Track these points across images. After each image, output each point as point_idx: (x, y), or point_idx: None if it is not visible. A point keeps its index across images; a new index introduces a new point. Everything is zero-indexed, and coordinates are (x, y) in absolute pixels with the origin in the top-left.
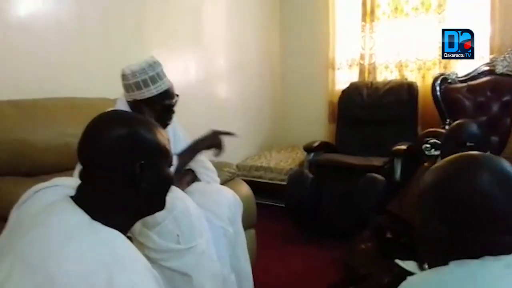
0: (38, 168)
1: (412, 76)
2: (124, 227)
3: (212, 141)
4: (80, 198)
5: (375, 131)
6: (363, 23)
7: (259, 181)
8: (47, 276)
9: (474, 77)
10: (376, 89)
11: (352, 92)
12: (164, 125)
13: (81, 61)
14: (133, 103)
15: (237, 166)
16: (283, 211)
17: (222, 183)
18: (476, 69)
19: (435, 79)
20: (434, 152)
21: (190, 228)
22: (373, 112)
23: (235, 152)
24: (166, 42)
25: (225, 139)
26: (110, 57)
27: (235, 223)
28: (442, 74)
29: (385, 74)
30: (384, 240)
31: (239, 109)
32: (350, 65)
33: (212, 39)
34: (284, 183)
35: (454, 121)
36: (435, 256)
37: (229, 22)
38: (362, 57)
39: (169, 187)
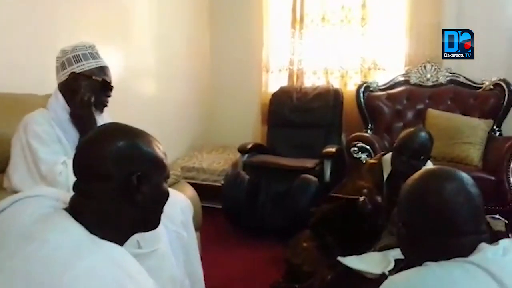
0: None
1: (336, 83)
2: (119, 242)
3: None
4: (76, 211)
5: (303, 134)
6: (293, 30)
7: (192, 183)
8: None
9: (392, 86)
10: (305, 93)
11: (282, 96)
12: (102, 107)
13: (5, 53)
14: (66, 85)
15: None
16: (216, 212)
17: (169, 186)
18: (393, 79)
19: (359, 87)
20: (361, 155)
21: (150, 232)
22: (302, 115)
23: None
24: (93, 37)
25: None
26: (38, 52)
27: (188, 227)
28: (365, 82)
29: (313, 80)
30: (324, 238)
31: (168, 108)
32: (280, 70)
33: (140, 36)
34: (218, 184)
35: (375, 126)
36: (411, 255)
37: (157, 20)
38: (291, 62)
39: (164, 203)
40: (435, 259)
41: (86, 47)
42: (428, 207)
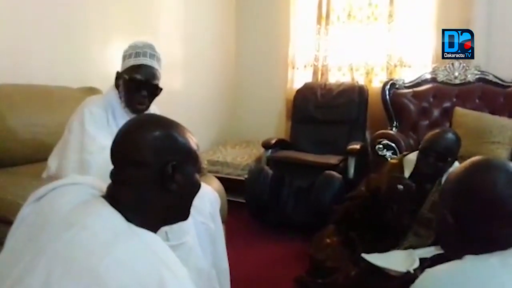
0: (3, 160)
1: (361, 80)
2: (153, 230)
3: None
4: (113, 199)
5: (327, 130)
6: (318, 26)
7: (216, 176)
8: (95, 280)
9: (418, 84)
10: (329, 90)
11: (306, 92)
12: (133, 107)
13: (41, 47)
14: (117, 81)
15: None
16: (240, 206)
17: None
18: (420, 77)
19: (385, 84)
20: (386, 153)
21: (178, 225)
22: (326, 112)
23: None
24: (123, 33)
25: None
26: (71, 46)
27: (215, 218)
28: (391, 80)
29: (338, 76)
30: (347, 234)
31: (193, 102)
32: (305, 66)
33: (167, 31)
34: (241, 178)
35: (400, 123)
36: (452, 247)
37: (184, 15)
38: (316, 58)
39: (196, 193)
40: (478, 250)
41: (139, 46)
42: (479, 197)
